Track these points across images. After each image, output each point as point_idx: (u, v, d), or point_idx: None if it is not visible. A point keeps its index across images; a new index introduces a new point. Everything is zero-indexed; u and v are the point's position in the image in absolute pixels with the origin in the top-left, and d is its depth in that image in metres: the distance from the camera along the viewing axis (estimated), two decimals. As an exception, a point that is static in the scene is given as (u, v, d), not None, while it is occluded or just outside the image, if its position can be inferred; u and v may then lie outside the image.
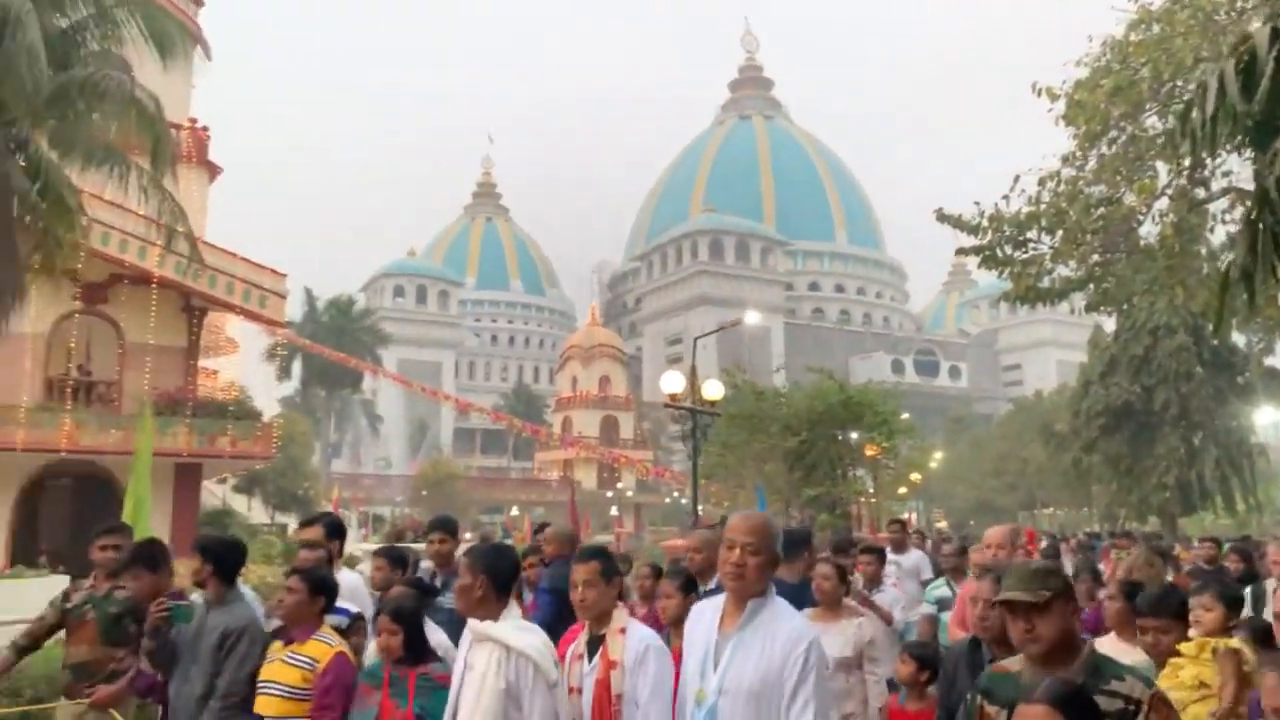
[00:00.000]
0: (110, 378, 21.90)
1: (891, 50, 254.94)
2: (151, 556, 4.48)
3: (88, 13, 12.61)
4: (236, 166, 28.93)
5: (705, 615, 2.94)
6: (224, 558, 4.17)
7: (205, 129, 26.75)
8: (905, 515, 38.00)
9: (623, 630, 3.27)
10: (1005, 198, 10.32)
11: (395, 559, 4.99)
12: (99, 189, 14.31)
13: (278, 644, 3.90)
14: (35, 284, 13.39)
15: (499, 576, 3.25)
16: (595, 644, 3.30)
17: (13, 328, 13.04)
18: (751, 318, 49.24)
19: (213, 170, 27.20)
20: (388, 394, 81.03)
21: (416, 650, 3.52)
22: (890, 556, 8.63)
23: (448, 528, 5.49)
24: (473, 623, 3.24)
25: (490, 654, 3.13)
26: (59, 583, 5.24)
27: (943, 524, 49.00)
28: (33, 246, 12.48)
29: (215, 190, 27.66)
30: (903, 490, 46.73)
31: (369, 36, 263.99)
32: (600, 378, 79.11)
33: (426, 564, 5.50)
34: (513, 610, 3.28)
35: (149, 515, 8.46)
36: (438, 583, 5.10)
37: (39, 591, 5.17)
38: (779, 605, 2.85)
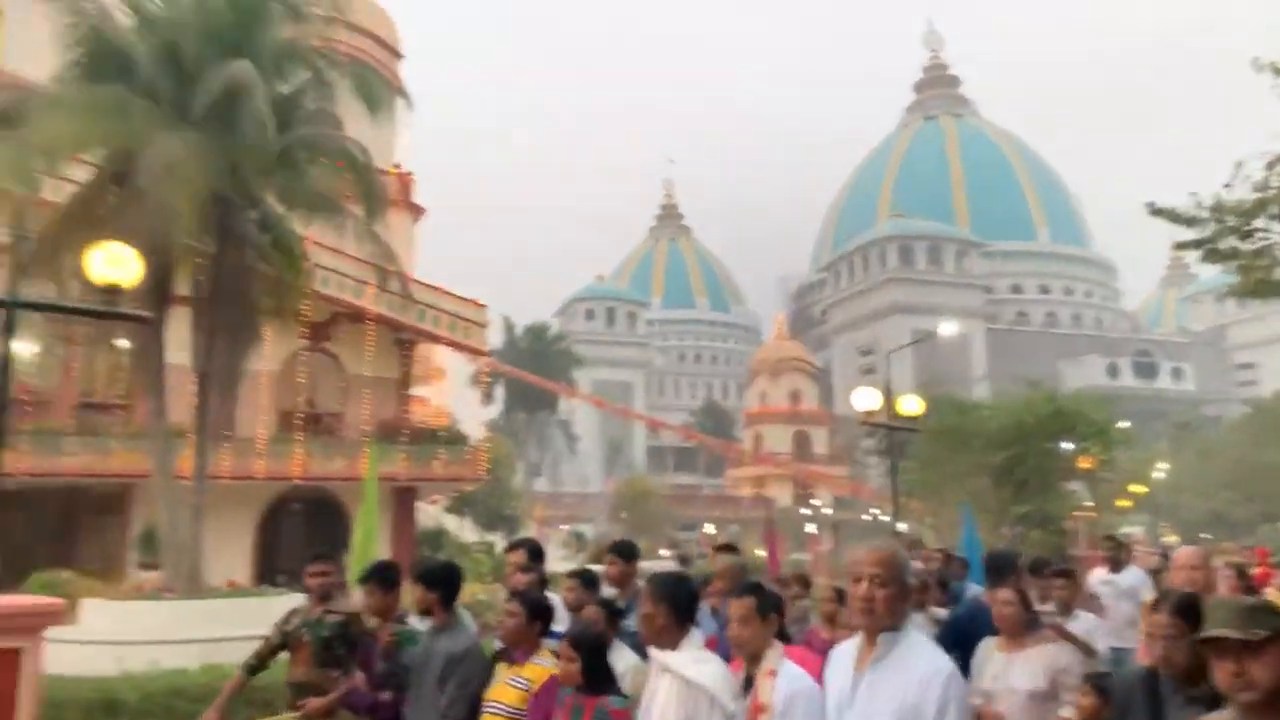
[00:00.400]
0: (334, 409, 23.76)
1: (1092, 35, 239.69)
2: (387, 577, 4.82)
3: (305, 78, 13.86)
4: (425, 196, 30.60)
5: (845, 653, 2.86)
6: (448, 586, 4.42)
7: (409, 173, 28.67)
8: (1130, 531, 35.37)
9: (773, 672, 3.16)
10: (1227, 185, 9.55)
11: (587, 581, 5.08)
12: (318, 235, 15.65)
13: (503, 665, 4.11)
14: (268, 326, 14.76)
15: (679, 605, 3.29)
16: (750, 683, 3.22)
17: (251, 366, 14.48)
18: (947, 327, 47.08)
19: (416, 211, 29.10)
20: (583, 415, 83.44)
21: (595, 680, 3.51)
22: (1105, 576, 8.09)
23: (622, 551, 5.45)
24: (654, 652, 3.30)
25: (670, 684, 3.18)
26: (296, 600, 5.76)
27: (1171, 539, 45.17)
28: (265, 292, 13.80)
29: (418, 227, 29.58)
30: (1124, 504, 43.44)
31: (544, 60, 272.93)
32: (790, 392, 78.30)
33: (609, 589, 5.54)
34: (694, 638, 3.29)
35: (376, 541, 9.16)
36: (620, 604, 5.15)
37: (278, 609, 5.71)
38: (914, 639, 2.74)
